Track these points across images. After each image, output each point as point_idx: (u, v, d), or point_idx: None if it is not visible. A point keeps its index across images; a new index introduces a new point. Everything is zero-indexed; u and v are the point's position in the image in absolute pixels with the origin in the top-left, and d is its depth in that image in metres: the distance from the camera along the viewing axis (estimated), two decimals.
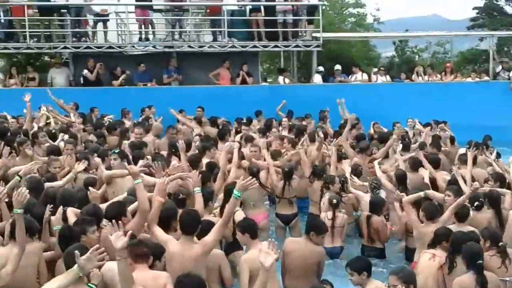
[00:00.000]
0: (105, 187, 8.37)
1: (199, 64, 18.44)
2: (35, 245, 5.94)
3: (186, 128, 13.86)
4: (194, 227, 6.05)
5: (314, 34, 18.77)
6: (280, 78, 19.58)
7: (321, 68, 19.34)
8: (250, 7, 18.46)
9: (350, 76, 19.58)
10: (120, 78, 17.33)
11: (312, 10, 18.61)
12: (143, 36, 18.42)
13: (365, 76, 19.82)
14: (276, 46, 18.63)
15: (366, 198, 8.98)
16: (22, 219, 5.34)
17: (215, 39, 18.79)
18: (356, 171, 10.04)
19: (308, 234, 6.91)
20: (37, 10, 18.00)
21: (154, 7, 18.69)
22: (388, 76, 20.39)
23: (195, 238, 6.10)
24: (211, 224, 6.25)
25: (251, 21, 18.32)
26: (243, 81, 18.08)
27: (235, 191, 6.04)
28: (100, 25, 18.37)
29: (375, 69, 21.02)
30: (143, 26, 18.43)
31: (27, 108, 12.34)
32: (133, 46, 18.21)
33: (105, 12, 17.80)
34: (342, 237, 8.64)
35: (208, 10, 18.87)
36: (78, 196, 7.15)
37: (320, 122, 14.93)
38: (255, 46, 18.26)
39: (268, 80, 24.69)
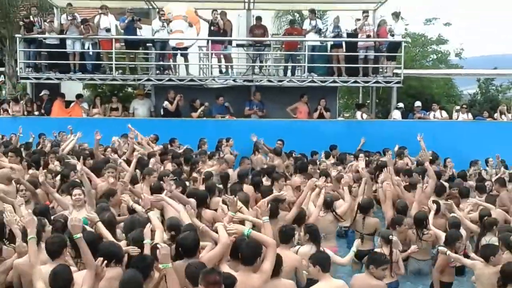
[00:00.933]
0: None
1: (277, 98, 18.59)
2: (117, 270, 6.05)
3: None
4: (254, 258, 6.04)
5: (395, 71, 18.61)
6: (358, 114, 19.45)
7: (400, 104, 19.12)
8: (332, 43, 18.51)
9: (429, 113, 19.23)
10: (199, 110, 17.67)
11: (394, 46, 18.46)
12: (223, 69, 18.78)
13: (445, 114, 19.42)
14: (356, 82, 18.57)
15: (443, 236, 8.73)
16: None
17: (293, 73, 18.93)
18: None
19: (368, 268, 6.84)
20: (123, 44, 18.70)
21: (237, 42, 19.08)
22: (470, 114, 19.91)
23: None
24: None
25: (332, 57, 18.38)
26: (321, 116, 18.07)
27: None
28: (181, 59, 18.90)
29: (457, 107, 20.54)
30: (223, 60, 18.78)
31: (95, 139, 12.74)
32: (214, 79, 18.57)
33: (181, 45, 18.28)
34: (397, 271, 8.37)
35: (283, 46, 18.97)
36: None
37: (396, 158, 14.66)
38: (334, 82, 18.27)
39: (345, 115, 24.56)
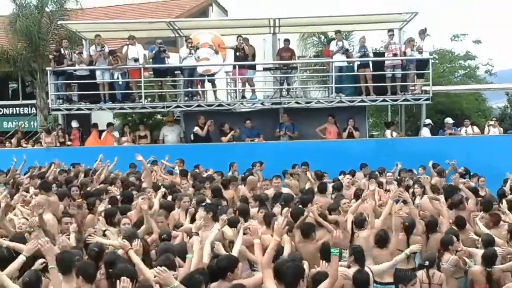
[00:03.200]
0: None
1: (305, 119, 18.63)
2: None
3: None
4: (296, 280, 5.94)
5: (424, 88, 18.52)
6: (388, 132, 19.36)
7: (428, 121, 19.00)
8: (359, 63, 18.54)
9: (460, 129, 19.06)
10: (229, 134, 17.77)
11: (421, 63, 18.39)
12: (248, 94, 18.92)
13: (477, 129, 19.23)
14: (384, 100, 18.52)
15: (479, 253, 8.57)
16: None
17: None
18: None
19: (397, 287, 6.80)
20: (152, 72, 18.94)
21: (264, 66, 19.20)
22: (500, 128, 19.68)
23: None
24: None
25: (359, 76, 18.39)
26: (350, 135, 18.03)
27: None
28: (209, 85, 19.09)
29: (491, 122, 20.26)
30: (246, 84, 18.92)
31: (144, 164, 12.95)
32: (242, 104, 18.68)
33: (208, 72, 18.45)
34: None
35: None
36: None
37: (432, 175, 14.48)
38: (363, 101, 18.26)
39: (375, 134, 24.45)
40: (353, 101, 18.22)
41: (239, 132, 17.96)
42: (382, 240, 8.44)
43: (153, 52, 18.26)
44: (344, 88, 18.52)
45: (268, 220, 8.93)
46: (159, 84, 19.09)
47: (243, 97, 18.97)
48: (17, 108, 29.47)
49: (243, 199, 11.00)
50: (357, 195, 10.98)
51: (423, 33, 18.53)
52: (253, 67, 18.84)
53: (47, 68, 19.04)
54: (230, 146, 17.63)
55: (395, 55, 18.18)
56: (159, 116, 23.37)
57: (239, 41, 18.33)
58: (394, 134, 19.06)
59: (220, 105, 18.43)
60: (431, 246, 9.04)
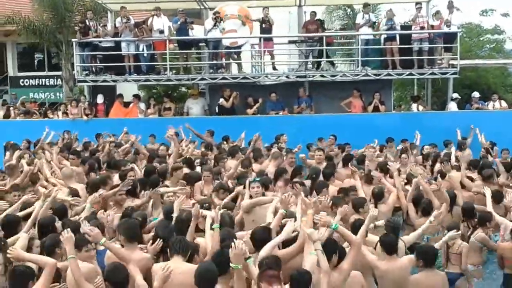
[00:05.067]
0: (243, 214, 8.46)
1: (331, 93, 18.51)
2: None
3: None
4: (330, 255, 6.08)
5: (451, 62, 18.27)
6: (414, 106, 19.18)
7: (455, 95, 18.76)
8: (385, 36, 18.34)
9: (487, 103, 18.82)
10: (254, 107, 17.73)
11: (449, 37, 18.12)
12: (276, 66, 18.85)
13: (504, 103, 18.96)
14: (411, 74, 18.29)
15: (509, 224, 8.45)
16: None
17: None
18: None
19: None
20: (177, 44, 18.91)
21: (289, 39, 19.06)
22: None
23: None
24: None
25: (386, 50, 18.20)
26: (376, 109, 17.91)
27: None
28: (233, 57, 19.02)
29: None
30: (276, 57, 18.82)
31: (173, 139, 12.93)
32: (267, 76, 18.61)
33: (235, 44, 18.37)
34: (461, 265, 8.16)
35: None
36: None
37: (457, 150, 14.39)
38: (389, 74, 18.06)
39: (401, 108, 24.26)
40: (379, 75, 18.03)
41: (262, 103, 17.87)
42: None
43: (178, 23, 18.20)
44: (370, 62, 18.33)
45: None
46: (184, 56, 19.05)
47: (274, 68, 18.86)
48: (43, 79, 29.80)
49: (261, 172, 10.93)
50: (382, 169, 10.90)
51: (451, 6, 18.24)
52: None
53: (73, 40, 19.07)
54: (255, 118, 17.59)
55: (422, 28, 17.90)
56: (183, 89, 23.41)
57: (264, 13, 18.19)
58: (420, 108, 18.88)
59: (245, 77, 18.35)
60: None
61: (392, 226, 7.45)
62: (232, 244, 5.55)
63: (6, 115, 19.59)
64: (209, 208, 7.99)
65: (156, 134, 15.42)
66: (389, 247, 6.75)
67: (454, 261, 8.18)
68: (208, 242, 6.78)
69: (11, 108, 20.19)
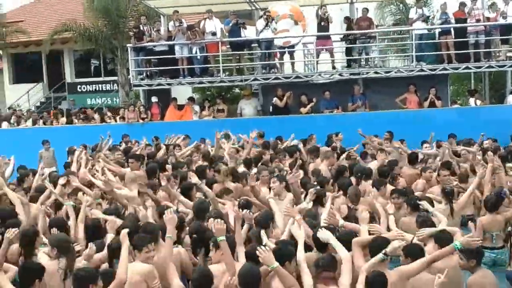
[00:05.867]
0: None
1: (385, 89, 18.30)
2: None
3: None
4: None
5: (509, 54, 17.83)
6: (471, 100, 18.79)
7: None
8: (440, 30, 18.01)
9: None
10: (308, 106, 17.69)
11: (506, 29, 17.67)
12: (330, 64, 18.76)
13: None
14: (467, 68, 17.92)
15: None
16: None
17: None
18: None
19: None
20: (229, 46, 19.04)
21: (341, 36, 18.96)
22: None
23: None
24: None
25: (441, 44, 17.87)
26: (432, 105, 17.61)
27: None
28: (287, 56, 19.02)
29: None
30: (335, 55, 18.75)
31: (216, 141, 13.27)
32: (320, 75, 18.52)
33: (288, 44, 18.36)
34: None
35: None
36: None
37: None
38: (444, 69, 17.73)
39: (458, 102, 23.79)
40: (434, 69, 17.71)
41: (316, 102, 17.80)
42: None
43: (230, 25, 18.30)
44: (425, 56, 18.04)
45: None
46: (237, 57, 19.15)
47: (334, 67, 18.79)
48: (99, 85, 30.43)
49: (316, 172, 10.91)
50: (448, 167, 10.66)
51: None
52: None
53: (127, 45, 19.41)
54: (309, 117, 17.55)
55: (478, 20, 17.53)
56: (237, 90, 23.52)
57: (323, 11, 18.09)
58: (478, 102, 18.50)
59: (297, 77, 18.32)
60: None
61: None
62: (257, 251, 5.51)
63: (69, 121, 20.14)
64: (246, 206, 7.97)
65: (210, 136, 15.48)
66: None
67: None
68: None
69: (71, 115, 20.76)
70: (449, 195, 8.61)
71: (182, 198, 8.97)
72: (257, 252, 5.49)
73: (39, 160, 15.55)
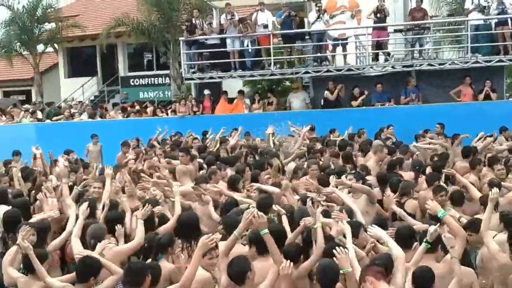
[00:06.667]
0: None
1: (438, 82, 17.97)
2: None
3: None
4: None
5: None
6: None
7: None
8: (496, 20, 17.58)
9: None
10: (360, 99, 17.52)
11: None
12: (382, 56, 18.50)
13: None
14: None
15: None
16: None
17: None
18: None
19: None
20: (280, 38, 18.98)
21: (395, 28, 18.69)
22: None
23: None
24: None
25: (497, 35, 17.43)
26: (487, 97, 17.19)
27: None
28: (339, 49, 18.85)
29: None
30: (389, 47, 18.51)
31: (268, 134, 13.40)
32: (372, 67, 18.30)
33: (343, 36, 18.20)
34: None
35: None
36: None
37: None
38: (501, 61, 17.28)
39: None
40: (490, 61, 17.29)
41: (368, 95, 17.62)
42: None
43: (282, 17, 18.24)
44: (480, 48, 17.61)
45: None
46: (288, 50, 19.09)
47: (386, 59, 18.56)
48: (152, 79, 30.80)
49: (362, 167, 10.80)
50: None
51: None
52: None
53: (180, 38, 19.56)
54: (360, 110, 17.39)
55: None
56: (287, 83, 23.46)
57: (380, 3, 17.90)
58: None
59: (349, 69, 18.15)
60: None
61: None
62: (335, 251, 5.43)
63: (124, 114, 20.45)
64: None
65: (260, 128, 15.49)
66: None
67: None
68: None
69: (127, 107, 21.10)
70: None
71: (228, 192, 8.99)
72: (334, 251, 5.42)
73: (86, 155, 15.85)
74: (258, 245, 6.09)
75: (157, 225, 7.43)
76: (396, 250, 5.75)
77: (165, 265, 6.18)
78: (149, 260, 6.29)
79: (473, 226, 6.85)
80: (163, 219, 7.58)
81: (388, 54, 18.69)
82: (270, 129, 13.59)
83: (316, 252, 6.02)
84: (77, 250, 6.53)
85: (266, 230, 5.86)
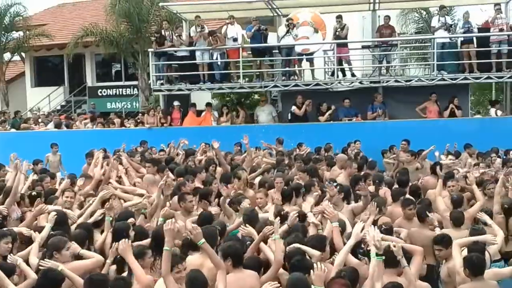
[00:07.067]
0: None
1: (405, 98, 18.19)
2: None
3: None
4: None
5: None
6: (492, 110, 18.62)
7: None
8: (462, 39, 17.88)
9: None
10: (327, 114, 17.64)
11: None
12: (351, 72, 18.70)
13: None
14: (488, 78, 17.76)
15: None
16: None
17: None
18: None
19: None
20: (250, 52, 19.05)
21: (363, 44, 18.89)
22: None
23: None
24: None
25: (462, 53, 17.74)
26: (452, 114, 17.47)
27: None
28: (306, 64, 18.99)
29: None
30: (352, 63, 18.72)
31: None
32: (340, 83, 18.46)
33: (306, 51, 18.33)
34: None
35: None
36: None
37: None
38: (466, 78, 17.59)
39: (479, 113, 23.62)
40: (455, 79, 17.58)
41: (335, 110, 17.75)
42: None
43: (252, 31, 18.31)
44: (446, 65, 17.90)
45: None
46: (257, 63, 19.16)
47: (353, 75, 18.76)
48: (120, 89, 30.54)
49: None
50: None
51: None
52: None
53: (149, 50, 19.48)
54: (327, 125, 17.50)
55: (501, 30, 17.36)
56: (256, 96, 23.54)
57: (338, 21, 18.08)
58: (499, 112, 18.32)
59: (317, 84, 18.27)
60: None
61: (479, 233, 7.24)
62: (315, 265, 5.49)
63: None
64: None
65: (228, 141, 15.48)
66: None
67: None
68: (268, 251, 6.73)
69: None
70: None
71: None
72: (315, 265, 5.51)
73: (45, 164, 15.62)
74: (233, 258, 6.13)
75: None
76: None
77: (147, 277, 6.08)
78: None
79: (442, 242, 6.95)
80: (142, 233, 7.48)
81: (352, 74, 18.85)
82: (245, 139, 13.58)
83: (274, 266, 6.13)
84: (34, 259, 6.47)
85: (203, 240, 5.90)
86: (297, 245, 6.45)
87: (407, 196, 9.36)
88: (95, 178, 10.58)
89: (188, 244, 6.55)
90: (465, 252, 6.73)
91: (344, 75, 18.63)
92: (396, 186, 10.39)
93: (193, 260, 6.26)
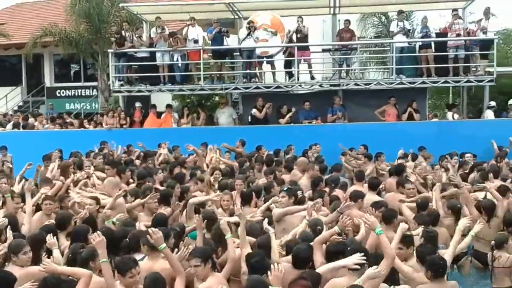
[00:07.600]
0: (274, 223, 8.39)
1: (364, 101, 18.38)
2: None
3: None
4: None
5: (487, 69, 18.00)
6: (449, 114, 18.95)
7: (493, 103, 18.44)
8: (420, 43, 18.16)
9: None
10: (287, 116, 17.71)
11: (485, 44, 17.87)
12: (312, 75, 18.86)
13: None
14: (446, 82, 18.06)
15: None
16: None
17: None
18: None
19: None
20: (211, 54, 19.01)
21: (323, 47, 19.02)
22: None
23: None
24: None
25: (420, 57, 18.01)
26: (410, 118, 17.72)
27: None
28: (267, 66, 19.04)
29: None
30: (312, 66, 18.89)
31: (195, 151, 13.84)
32: (300, 85, 18.55)
33: (265, 54, 18.39)
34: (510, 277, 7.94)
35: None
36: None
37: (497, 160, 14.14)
38: (424, 82, 17.85)
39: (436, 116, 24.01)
40: (413, 83, 17.83)
41: (296, 112, 17.84)
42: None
43: (213, 33, 18.28)
44: (404, 69, 18.16)
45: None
46: (218, 65, 19.13)
47: (312, 78, 18.91)
48: (79, 90, 30.25)
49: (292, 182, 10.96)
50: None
51: (487, 12, 17.96)
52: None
53: (109, 50, 19.28)
54: (288, 128, 17.57)
55: (458, 35, 17.66)
56: (217, 98, 23.52)
57: (299, 23, 18.18)
58: (456, 116, 18.67)
59: (278, 87, 18.34)
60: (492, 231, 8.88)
61: (432, 235, 7.33)
62: (272, 266, 5.48)
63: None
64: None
65: (188, 143, 15.43)
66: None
67: (499, 275, 7.98)
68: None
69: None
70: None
71: None
72: (272, 266, 5.48)
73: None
74: (213, 262, 6.21)
75: None
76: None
77: (94, 280, 5.95)
78: None
79: (408, 240, 7.02)
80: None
81: (312, 77, 19.01)
82: (189, 147, 13.75)
83: (228, 264, 6.32)
84: None
85: (164, 245, 5.97)
86: None
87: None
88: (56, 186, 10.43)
89: (81, 259, 6.29)
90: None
91: (312, 78, 18.77)
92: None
93: (142, 264, 6.18)
